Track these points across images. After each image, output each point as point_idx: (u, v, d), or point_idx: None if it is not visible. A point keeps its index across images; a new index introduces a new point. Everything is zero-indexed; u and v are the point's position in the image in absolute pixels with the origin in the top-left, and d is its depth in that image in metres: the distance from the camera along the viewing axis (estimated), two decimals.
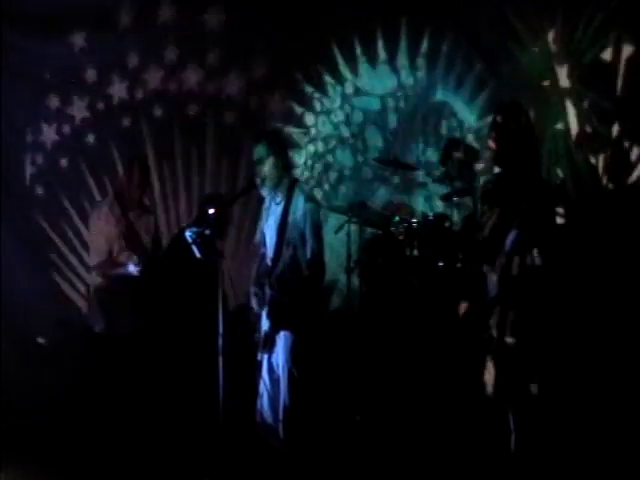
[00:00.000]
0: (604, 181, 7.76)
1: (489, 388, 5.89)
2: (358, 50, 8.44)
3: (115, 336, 7.04)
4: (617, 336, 7.04)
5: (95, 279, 7.24)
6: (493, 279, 5.79)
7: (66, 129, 8.73)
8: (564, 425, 6.34)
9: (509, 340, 5.81)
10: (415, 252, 7.35)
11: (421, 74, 8.41)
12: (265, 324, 6.35)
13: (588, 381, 6.88)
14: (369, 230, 7.67)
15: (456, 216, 7.49)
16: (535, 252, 5.62)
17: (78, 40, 8.59)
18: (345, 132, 8.59)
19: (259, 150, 6.35)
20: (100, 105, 8.69)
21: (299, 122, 8.56)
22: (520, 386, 5.81)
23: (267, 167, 6.32)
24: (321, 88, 8.53)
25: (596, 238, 7.38)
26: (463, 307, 5.99)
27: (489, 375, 5.88)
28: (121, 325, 7.07)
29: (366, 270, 7.47)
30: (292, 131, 8.50)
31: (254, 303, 6.46)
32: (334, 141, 8.60)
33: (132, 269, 7.02)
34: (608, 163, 7.74)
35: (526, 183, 5.77)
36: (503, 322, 5.80)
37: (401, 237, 7.43)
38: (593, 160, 7.80)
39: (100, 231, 7.20)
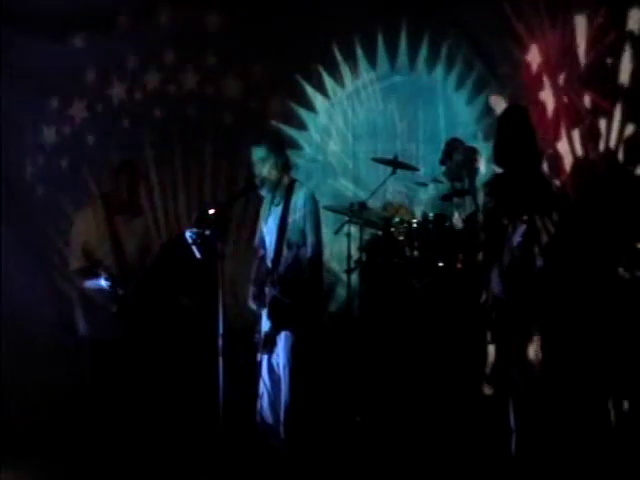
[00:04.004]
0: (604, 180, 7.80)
1: (490, 383, 5.91)
2: (358, 50, 8.45)
3: (100, 341, 6.99)
4: (619, 333, 7.03)
5: (78, 283, 7.15)
6: (497, 275, 5.82)
7: (66, 130, 8.71)
8: (565, 425, 6.35)
9: (513, 335, 5.83)
10: (415, 252, 7.35)
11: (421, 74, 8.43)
12: (265, 325, 6.35)
13: (590, 378, 6.88)
14: (369, 230, 7.67)
15: (456, 216, 7.50)
16: (540, 248, 5.65)
17: (78, 40, 8.58)
18: (345, 132, 8.60)
19: (259, 151, 6.36)
20: (100, 106, 8.68)
21: (299, 123, 8.56)
22: (522, 381, 5.83)
23: (266, 168, 6.33)
24: (321, 88, 8.53)
25: (595, 234, 7.40)
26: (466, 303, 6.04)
27: (490, 370, 5.91)
28: (105, 331, 6.98)
29: (366, 270, 7.47)
30: (291, 132, 8.51)
31: (253, 304, 6.46)
32: (334, 141, 8.60)
33: (103, 283, 6.91)
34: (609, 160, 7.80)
35: (529, 182, 5.82)
36: (507, 317, 5.83)
37: (401, 237, 7.44)
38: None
39: (81, 234, 7.11)
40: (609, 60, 7.75)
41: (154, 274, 7.32)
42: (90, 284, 7.01)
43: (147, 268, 7.24)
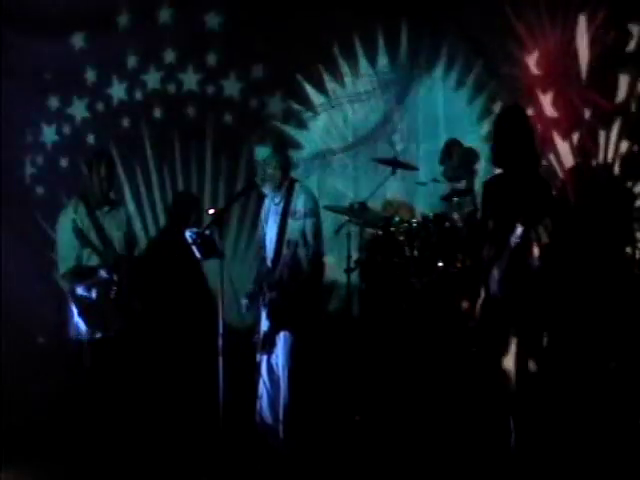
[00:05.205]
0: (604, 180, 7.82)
1: (489, 383, 5.91)
2: (359, 50, 8.44)
3: (100, 340, 6.97)
4: (616, 332, 7.04)
5: (68, 286, 7.12)
6: (495, 275, 5.82)
7: (66, 129, 8.71)
8: (563, 425, 6.35)
9: (513, 335, 5.84)
10: (415, 252, 7.35)
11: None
12: (265, 325, 6.35)
13: (589, 376, 6.88)
14: (369, 230, 7.67)
15: (456, 216, 7.50)
16: (538, 249, 5.66)
17: (78, 40, 8.58)
18: (345, 132, 8.60)
19: (262, 151, 6.37)
20: (100, 105, 8.68)
21: (299, 122, 8.55)
22: (521, 382, 5.83)
23: (269, 168, 6.33)
24: (321, 89, 8.53)
25: (594, 236, 7.41)
26: (465, 303, 6.04)
27: (490, 371, 5.91)
28: (107, 326, 6.96)
29: (366, 270, 7.47)
30: (291, 132, 8.51)
31: (246, 302, 6.46)
32: (334, 141, 8.60)
33: (102, 274, 6.89)
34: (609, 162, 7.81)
35: (527, 182, 5.82)
36: (506, 317, 5.83)
37: (401, 237, 7.45)
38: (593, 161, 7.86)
39: (66, 235, 7.03)
40: (609, 61, 7.78)
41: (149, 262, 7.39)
42: (82, 281, 6.98)
43: (136, 257, 7.24)
